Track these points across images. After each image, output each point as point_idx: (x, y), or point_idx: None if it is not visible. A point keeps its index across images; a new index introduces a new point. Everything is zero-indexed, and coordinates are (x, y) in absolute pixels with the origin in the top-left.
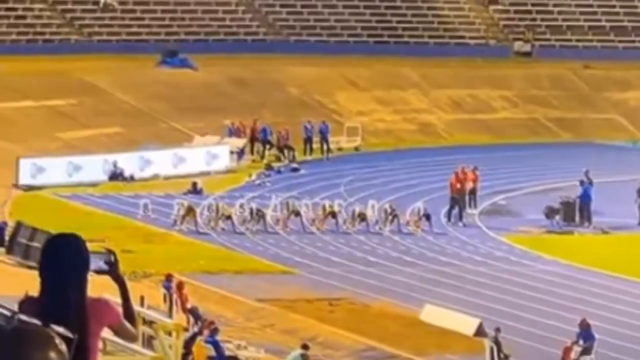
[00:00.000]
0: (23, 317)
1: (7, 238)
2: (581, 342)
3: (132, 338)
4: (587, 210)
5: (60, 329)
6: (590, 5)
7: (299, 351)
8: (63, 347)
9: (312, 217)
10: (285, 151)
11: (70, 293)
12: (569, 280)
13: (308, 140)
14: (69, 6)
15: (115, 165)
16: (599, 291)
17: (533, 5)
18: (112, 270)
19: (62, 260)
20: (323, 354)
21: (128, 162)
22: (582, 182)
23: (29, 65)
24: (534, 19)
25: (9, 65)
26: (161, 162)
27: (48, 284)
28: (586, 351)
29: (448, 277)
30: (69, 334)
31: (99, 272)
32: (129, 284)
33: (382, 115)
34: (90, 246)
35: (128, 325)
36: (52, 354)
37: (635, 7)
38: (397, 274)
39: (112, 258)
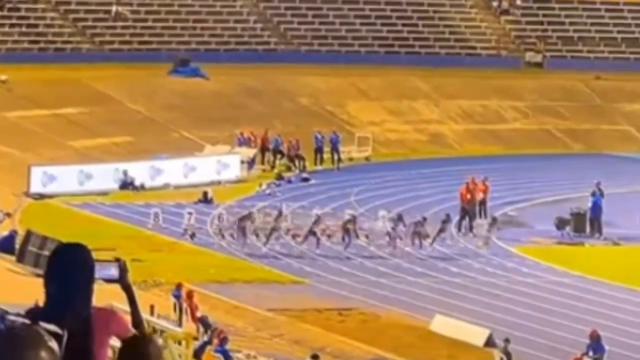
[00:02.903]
0: (12, 317)
1: (17, 246)
2: (591, 353)
3: None
4: (598, 221)
5: (51, 326)
6: (602, 17)
7: None
8: (54, 344)
9: (322, 227)
10: (296, 161)
11: (75, 303)
12: (579, 291)
13: (319, 150)
14: (81, 15)
15: (125, 174)
16: (609, 302)
17: (544, 16)
18: (121, 278)
19: (67, 270)
20: None
21: (139, 171)
22: (593, 193)
23: (41, 74)
24: (546, 30)
25: (20, 74)
26: (172, 171)
27: (53, 293)
28: None
29: (458, 287)
30: (59, 331)
31: (108, 280)
32: (139, 293)
33: (393, 125)
34: (100, 255)
35: (134, 332)
36: (43, 353)
37: None
38: (408, 285)
39: (121, 266)
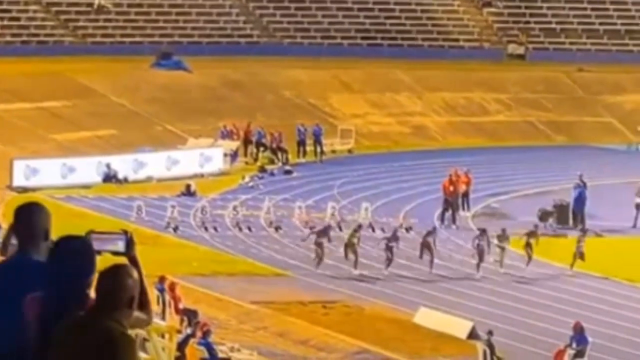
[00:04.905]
0: None
1: (0, 240)
2: (574, 345)
3: (143, 324)
4: (581, 213)
5: None
6: (584, 9)
7: None
8: None
9: (305, 220)
10: (279, 153)
11: (73, 292)
12: (562, 283)
13: (301, 143)
14: (63, 8)
15: (109, 167)
16: (592, 294)
17: (527, 8)
18: (128, 251)
19: (66, 260)
20: (316, 357)
21: (122, 164)
22: (576, 185)
23: (23, 67)
24: (528, 22)
25: (2, 67)
26: (155, 164)
27: (53, 285)
28: (579, 354)
29: (441, 280)
30: None
31: (114, 253)
32: None
33: (376, 117)
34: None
35: (137, 313)
36: None
37: (629, 10)
38: (391, 277)
39: (128, 239)
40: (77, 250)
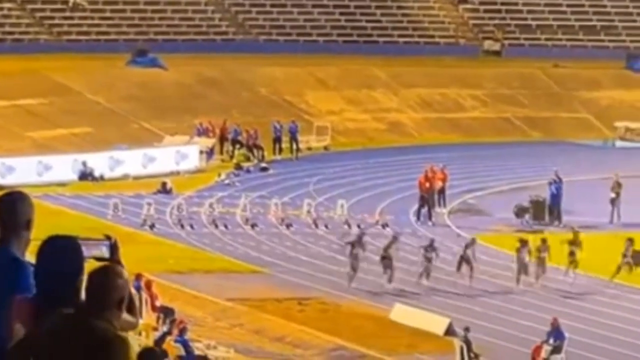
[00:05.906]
0: None
1: None
2: (551, 341)
3: (130, 327)
4: (557, 209)
5: None
6: (560, 5)
7: None
8: None
9: (281, 217)
10: (255, 151)
11: (64, 295)
12: (539, 278)
13: (277, 140)
14: (38, 5)
15: (85, 165)
16: (568, 290)
17: (502, 4)
18: (112, 257)
19: (56, 262)
20: (292, 354)
21: (98, 161)
22: (552, 181)
23: None
24: (504, 18)
25: None
26: (131, 162)
27: (42, 286)
28: (556, 350)
29: (417, 276)
30: None
31: (98, 259)
32: None
33: (352, 114)
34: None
35: (124, 315)
36: None
37: (604, 6)
38: (367, 273)
39: (112, 245)
40: (65, 249)
